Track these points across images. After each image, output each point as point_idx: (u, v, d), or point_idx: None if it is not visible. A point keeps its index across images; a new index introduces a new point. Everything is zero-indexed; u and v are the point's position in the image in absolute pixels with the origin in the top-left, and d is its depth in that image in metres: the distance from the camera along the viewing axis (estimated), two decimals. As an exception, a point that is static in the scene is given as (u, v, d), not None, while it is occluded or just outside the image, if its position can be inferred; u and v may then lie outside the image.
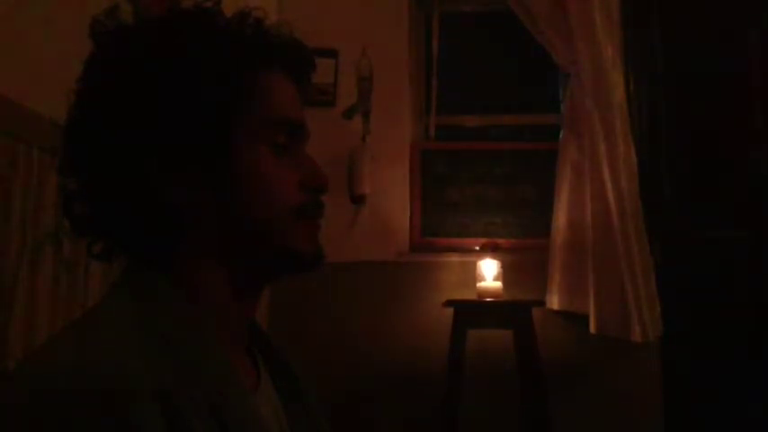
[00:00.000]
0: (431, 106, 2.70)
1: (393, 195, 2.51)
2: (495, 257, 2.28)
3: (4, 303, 1.06)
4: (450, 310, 2.16)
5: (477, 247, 2.39)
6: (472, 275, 2.29)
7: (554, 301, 2.30)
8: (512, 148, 2.59)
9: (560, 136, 2.42)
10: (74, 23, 1.01)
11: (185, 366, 0.56)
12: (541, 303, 2.26)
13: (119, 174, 0.62)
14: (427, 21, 2.77)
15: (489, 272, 2.25)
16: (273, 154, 0.66)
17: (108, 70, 0.63)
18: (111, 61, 0.64)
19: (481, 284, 2.24)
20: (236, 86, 0.64)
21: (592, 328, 2.20)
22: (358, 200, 2.46)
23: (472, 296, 2.24)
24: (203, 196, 0.63)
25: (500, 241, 2.42)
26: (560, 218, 2.35)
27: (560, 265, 2.32)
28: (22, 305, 1.10)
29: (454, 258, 2.43)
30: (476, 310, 2.20)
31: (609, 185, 2.23)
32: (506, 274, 2.26)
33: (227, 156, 0.63)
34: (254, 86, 0.65)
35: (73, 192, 0.64)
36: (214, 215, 0.64)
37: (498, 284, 2.22)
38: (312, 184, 0.68)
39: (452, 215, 2.53)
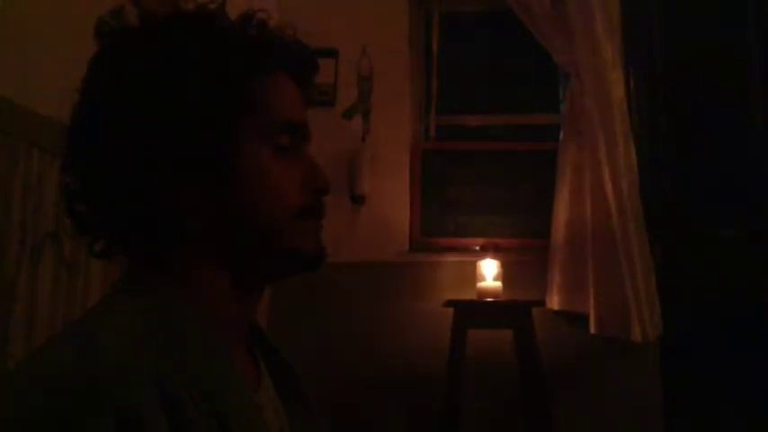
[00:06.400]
0: (431, 106, 2.70)
1: (393, 195, 2.51)
2: (495, 257, 2.28)
3: (4, 303, 1.06)
4: (450, 310, 2.16)
5: (477, 247, 2.39)
6: (472, 275, 2.28)
7: (554, 301, 2.30)
8: (512, 148, 2.59)
9: (560, 136, 2.42)
10: (75, 24, 1.01)
11: (186, 366, 0.56)
12: (541, 303, 2.26)
13: (121, 174, 0.62)
14: (427, 21, 2.77)
15: (489, 272, 2.25)
16: (276, 155, 0.66)
17: (112, 71, 0.63)
18: (115, 62, 0.64)
19: (481, 284, 2.24)
20: (239, 88, 0.64)
21: (592, 328, 2.20)
22: (358, 200, 2.47)
23: (472, 296, 2.24)
24: (205, 197, 0.63)
25: (500, 241, 2.41)
26: (560, 218, 2.35)
27: (560, 265, 2.31)
28: (22, 305, 1.10)
29: (454, 258, 2.43)
30: (476, 310, 2.20)
31: (609, 185, 2.23)
32: (506, 274, 2.26)
33: (230, 157, 0.64)
34: (256, 88, 0.65)
35: (75, 191, 0.64)
36: (216, 216, 0.64)
37: (498, 284, 2.22)
38: (314, 185, 0.68)
39: (452, 215, 2.53)
